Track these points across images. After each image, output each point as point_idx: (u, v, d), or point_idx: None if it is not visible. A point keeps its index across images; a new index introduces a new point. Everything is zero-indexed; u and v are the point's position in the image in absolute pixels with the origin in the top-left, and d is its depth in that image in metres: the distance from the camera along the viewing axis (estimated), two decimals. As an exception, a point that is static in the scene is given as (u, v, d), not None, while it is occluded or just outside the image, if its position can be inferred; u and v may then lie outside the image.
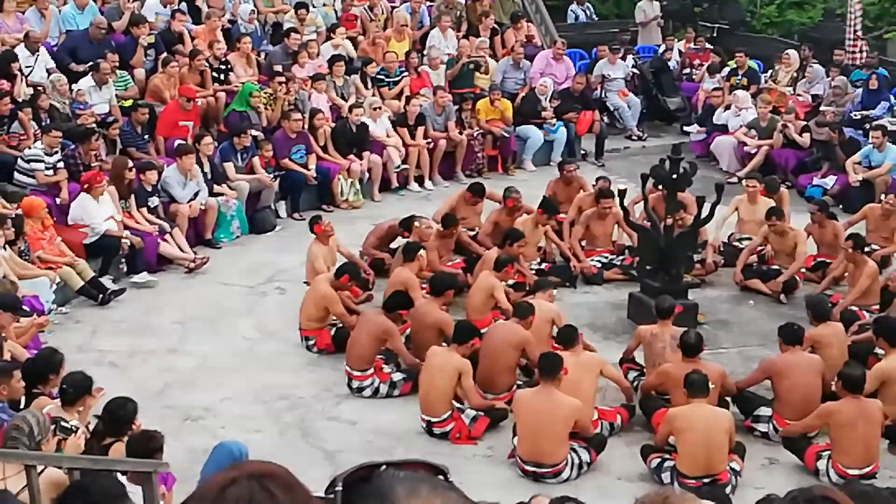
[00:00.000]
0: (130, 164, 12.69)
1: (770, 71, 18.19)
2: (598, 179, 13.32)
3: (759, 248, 12.45)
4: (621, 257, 12.66)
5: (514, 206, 12.67)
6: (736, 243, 12.93)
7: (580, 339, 9.37)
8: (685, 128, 18.35)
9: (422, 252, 10.89)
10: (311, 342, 10.57)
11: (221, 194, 13.52)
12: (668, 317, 9.58)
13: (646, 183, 11.67)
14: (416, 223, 11.82)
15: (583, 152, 17.55)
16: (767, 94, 17.03)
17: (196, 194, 13.15)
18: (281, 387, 9.89)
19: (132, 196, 12.58)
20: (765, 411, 9.25)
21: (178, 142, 13.62)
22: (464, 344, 9.07)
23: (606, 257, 12.67)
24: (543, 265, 12.37)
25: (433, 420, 9.06)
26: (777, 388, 9.19)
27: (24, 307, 9.31)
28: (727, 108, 17.18)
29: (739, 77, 18.17)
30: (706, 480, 8.25)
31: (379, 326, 9.71)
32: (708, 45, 19.78)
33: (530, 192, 13.46)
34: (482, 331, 9.58)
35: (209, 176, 13.50)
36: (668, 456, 8.51)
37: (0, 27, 14.26)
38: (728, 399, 9.18)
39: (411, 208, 14.15)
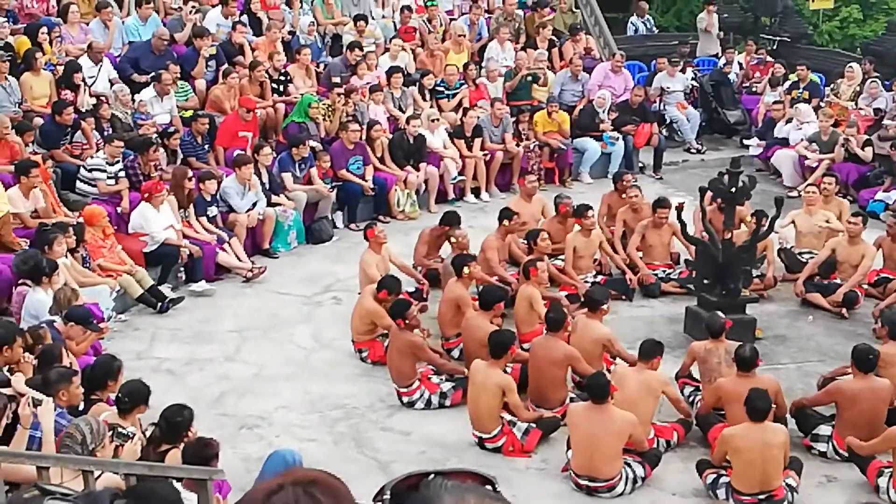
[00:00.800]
0: (190, 173, 12.83)
1: (832, 84, 18.01)
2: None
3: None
4: (678, 270, 12.60)
5: (567, 213, 12.64)
6: (798, 256, 12.82)
7: (659, 359, 9.24)
8: (745, 141, 18.20)
9: (472, 266, 10.84)
10: (365, 353, 10.62)
11: (279, 204, 13.63)
12: (720, 336, 9.50)
13: (704, 196, 11.59)
14: (452, 237, 11.84)
15: (640, 165, 17.46)
16: (829, 108, 16.87)
17: (254, 204, 13.27)
18: (335, 396, 9.94)
19: (191, 205, 12.73)
20: (824, 430, 9.11)
21: (237, 152, 13.77)
22: (500, 358, 9.05)
23: (664, 271, 12.61)
24: (599, 278, 12.33)
25: (484, 436, 9.04)
26: (842, 412, 9.01)
27: (94, 321, 9.41)
28: (788, 121, 17.03)
29: (801, 90, 18.00)
30: (762, 497, 8.16)
31: (404, 342, 9.72)
32: (769, 58, 19.62)
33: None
34: (525, 346, 9.57)
35: (267, 186, 13.62)
36: (723, 472, 8.43)
37: (64, 38, 14.49)
38: (786, 415, 9.07)
39: (468, 220, 14.17)
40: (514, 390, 8.96)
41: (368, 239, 11.60)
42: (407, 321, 9.76)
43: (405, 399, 9.73)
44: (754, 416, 8.16)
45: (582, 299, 11.00)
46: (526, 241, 11.89)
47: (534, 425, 9.09)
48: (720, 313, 9.85)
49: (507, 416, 9.09)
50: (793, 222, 12.96)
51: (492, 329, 9.64)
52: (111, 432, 6.66)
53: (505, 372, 9.16)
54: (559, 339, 9.45)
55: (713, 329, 9.53)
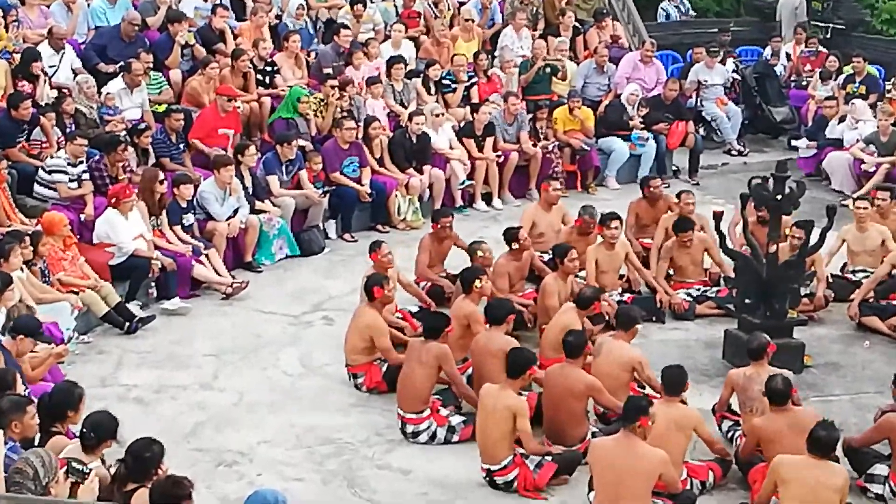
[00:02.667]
0: (163, 176, 12.86)
1: (893, 78, 17.98)
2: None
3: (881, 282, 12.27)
4: (716, 289, 12.59)
5: (585, 228, 12.64)
6: (850, 275, 12.79)
7: (685, 389, 9.21)
8: (793, 142, 18.21)
9: (483, 280, 10.82)
10: (360, 380, 10.60)
11: (264, 211, 13.65)
12: (762, 358, 9.47)
13: (746, 204, 11.58)
14: (478, 251, 11.81)
15: (674, 168, 17.48)
16: (889, 105, 16.83)
17: (236, 211, 13.30)
18: (326, 429, 9.91)
19: (164, 212, 12.74)
20: (880, 470, 9.07)
21: (216, 152, 13.79)
22: (516, 379, 9.03)
23: (699, 289, 12.61)
24: (626, 296, 12.31)
25: (493, 468, 9.02)
26: (897, 449, 9.01)
27: (45, 333, 9.42)
28: (842, 119, 17.02)
29: (857, 85, 18.00)
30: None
31: (430, 352, 9.71)
32: (821, 48, 19.62)
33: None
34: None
35: (251, 191, 13.65)
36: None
37: (22, 22, 14.50)
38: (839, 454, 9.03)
39: (477, 231, 14.18)
40: (525, 415, 8.93)
41: (373, 262, 11.57)
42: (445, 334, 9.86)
43: (410, 428, 9.71)
44: (816, 450, 8.08)
45: (606, 318, 10.98)
46: (552, 258, 11.82)
47: (548, 458, 9.08)
48: (762, 333, 9.81)
49: (521, 449, 9.06)
50: (843, 241, 12.92)
51: (508, 343, 9.63)
52: (65, 468, 6.64)
53: (520, 395, 9.14)
54: (578, 366, 9.43)
55: (753, 351, 9.50)
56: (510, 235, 12.14)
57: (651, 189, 13.62)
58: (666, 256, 12.66)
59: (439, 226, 12.55)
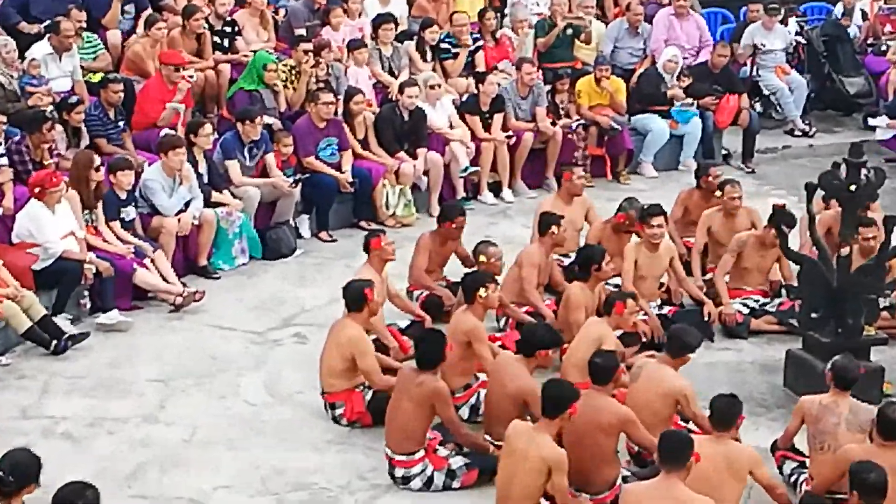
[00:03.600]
0: (98, 161, 12.81)
1: None
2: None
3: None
4: (777, 301, 12.60)
5: (624, 226, 12.63)
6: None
7: (739, 423, 9.18)
8: (869, 120, 18.20)
9: (490, 288, 10.77)
10: (339, 410, 10.57)
11: (222, 204, 13.65)
12: (849, 388, 9.46)
13: (813, 196, 11.55)
14: (482, 254, 11.77)
15: (724, 152, 17.47)
16: None
17: (188, 204, 13.29)
18: (297, 472, 9.88)
19: (100, 205, 12.72)
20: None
21: (164, 132, 13.75)
22: (555, 419, 8.95)
23: (756, 300, 12.61)
24: (666, 309, 12.30)
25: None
26: None
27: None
28: (930, 92, 17.03)
29: (948, 50, 18.01)
30: None
31: (423, 388, 9.63)
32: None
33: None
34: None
35: (205, 179, 13.66)
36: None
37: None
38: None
39: (483, 228, 14.17)
40: (564, 470, 8.80)
41: (370, 250, 11.54)
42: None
43: (400, 472, 9.67)
44: None
45: (644, 339, 10.93)
46: (576, 263, 11.80)
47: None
48: (851, 357, 9.75)
49: (546, 504, 9.03)
50: None
51: (526, 383, 9.56)
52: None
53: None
54: (608, 394, 9.40)
55: (843, 377, 9.46)
56: (550, 219, 12.14)
57: (710, 180, 13.55)
58: (734, 251, 12.61)
59: (454, 225, 12.44)
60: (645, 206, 12.49)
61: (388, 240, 11.65)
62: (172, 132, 13.76)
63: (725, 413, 8.97)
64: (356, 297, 10.54)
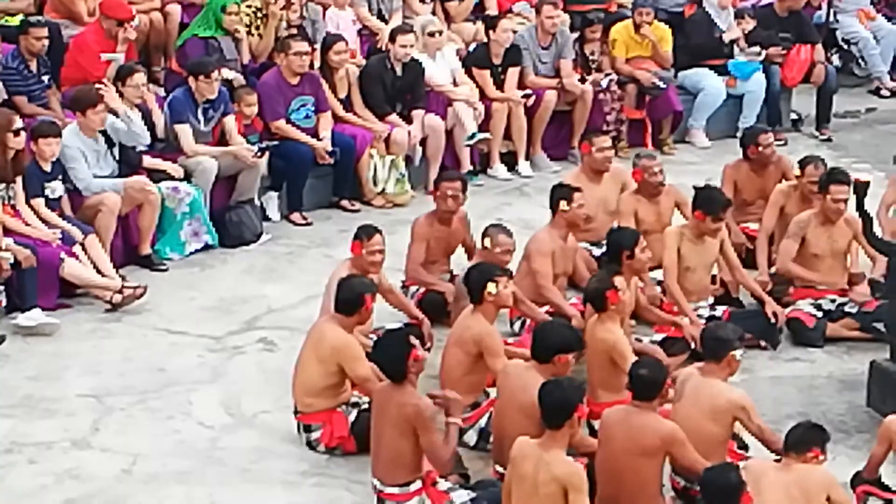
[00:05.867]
0: (18, 124, 12.79)
1: None
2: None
3: None
4: (861, 300, 12.58)
5: (653, 185, 12.74)
6: None
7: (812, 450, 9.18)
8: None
9: (501, 283, 10.73)
10: (315, 434, 10.55)
11: (169, 178, 13.64)
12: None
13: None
14: (487, 237, 11.72)
15: (794, 116, 17.48)
16: None
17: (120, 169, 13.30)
18: (264, 511, 9.93)
19: (19, 179, 12.71)
20: None
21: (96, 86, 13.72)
22: (559, 428, 8.91)
23: (833, 300, 12.61)
24: (721, 309, 12.28)
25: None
26: None
27: None
28: None
29: None
30: None
31: (401, 409, 9.56)
32: None
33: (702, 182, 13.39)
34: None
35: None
36: None
37: None
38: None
39: (493, 210, 14.18)
40: (583, 489, 8.82)
41: (352, 254, 11.49)
42: (411, 367, 9.60)
43: (391, 510, 9.70)
44: None
45: (692, 345, 10.90)
46: (608, 252, 11.79)
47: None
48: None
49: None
50: None
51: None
52: None
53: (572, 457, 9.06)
54: (651, 411, 9.39)
55: None
56: (562, 192, 12.13)
57: (760, 148, 13.56)
58: (797, 234, 12.59)
59: (439, 193, 12.45)
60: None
61: (375, 246, 11.41)
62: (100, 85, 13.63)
63: (804, 437, 9.03)
64: (351, 300, 10.45)
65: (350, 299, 10.44)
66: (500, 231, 11.83)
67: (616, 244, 11.56)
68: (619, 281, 10.72)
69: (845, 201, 12.26)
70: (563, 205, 12.04)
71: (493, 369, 10.32)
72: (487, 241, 11.67)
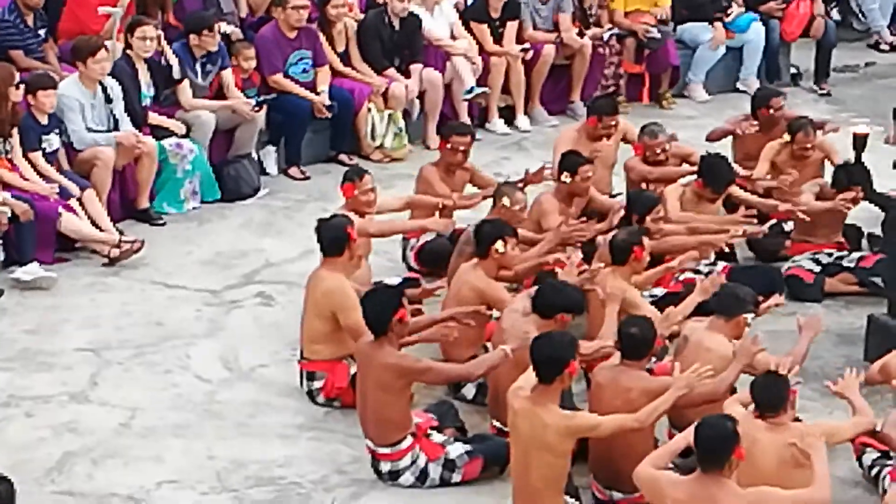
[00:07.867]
0: (16, 77, 12.79)
1: None
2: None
3: None
4: (858, 255, 12.64)
5: (655, 155, 12.77)
6: None
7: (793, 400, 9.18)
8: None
9: (509, 242, 10.75)
10: (317, 383, 10.59)
11: (168, 133, 13.65)
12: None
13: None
14: (505, 196, 11.69)
15: (794, 71, 17.44)
16: None
17: (116, 125, 13.27)
18: (261, 464, 9.92)
19: (14, 132, 12.71)
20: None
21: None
22: (554, 381, 8.86)
23: (830, 254, 12.65)
24: (720, 265, 12.30)
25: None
26: None
27: None
28: None
29: None
30: None
31: (382, 367, 9.49)
32: None
33: (700, 141, 13.41)
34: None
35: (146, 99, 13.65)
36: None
37: None
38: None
39: (491, 165, 14.20)
40: (577, 431, 8.86)
41: (345, 198, 11.55)
42: (394, 325, 9.59)
43: (386, 467, 9.68)
44: None
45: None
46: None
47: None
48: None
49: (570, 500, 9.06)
50: None
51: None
52: None
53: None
54: (640, 370, 9.45)
55: None
56: (571, 161, 12.12)
57: (771, 111, 13.55)
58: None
59: (449, 146, 12.49)
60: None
61: (367, 185, 11.53)
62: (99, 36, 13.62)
63: (768, 394, 8.96)
64: (335, 236, 10.47)
65: (334, 238, 10.48)
66: (517, 190, 11.86)
67: (626, 207, 11.69)
68: (646, 241, 10.75)
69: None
70: (565, 176, 12.08)
71: (493, 313, 10.44)
72: (506, 200, 11.62)
